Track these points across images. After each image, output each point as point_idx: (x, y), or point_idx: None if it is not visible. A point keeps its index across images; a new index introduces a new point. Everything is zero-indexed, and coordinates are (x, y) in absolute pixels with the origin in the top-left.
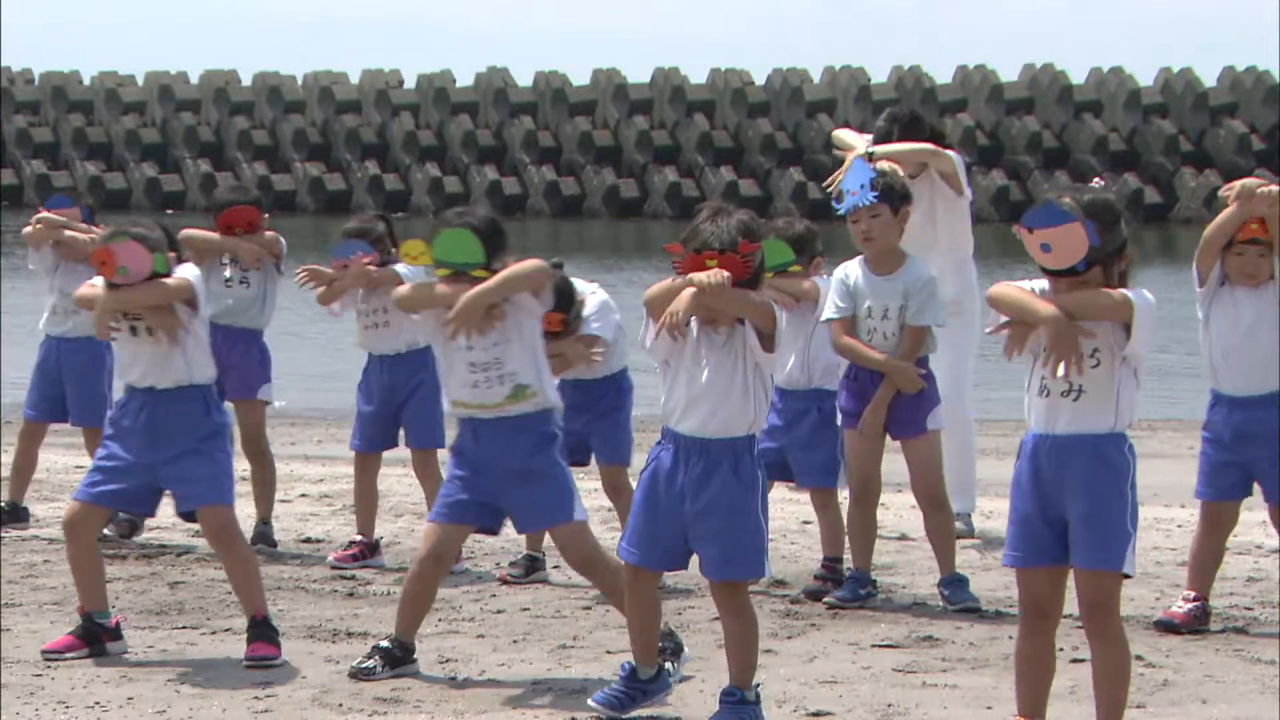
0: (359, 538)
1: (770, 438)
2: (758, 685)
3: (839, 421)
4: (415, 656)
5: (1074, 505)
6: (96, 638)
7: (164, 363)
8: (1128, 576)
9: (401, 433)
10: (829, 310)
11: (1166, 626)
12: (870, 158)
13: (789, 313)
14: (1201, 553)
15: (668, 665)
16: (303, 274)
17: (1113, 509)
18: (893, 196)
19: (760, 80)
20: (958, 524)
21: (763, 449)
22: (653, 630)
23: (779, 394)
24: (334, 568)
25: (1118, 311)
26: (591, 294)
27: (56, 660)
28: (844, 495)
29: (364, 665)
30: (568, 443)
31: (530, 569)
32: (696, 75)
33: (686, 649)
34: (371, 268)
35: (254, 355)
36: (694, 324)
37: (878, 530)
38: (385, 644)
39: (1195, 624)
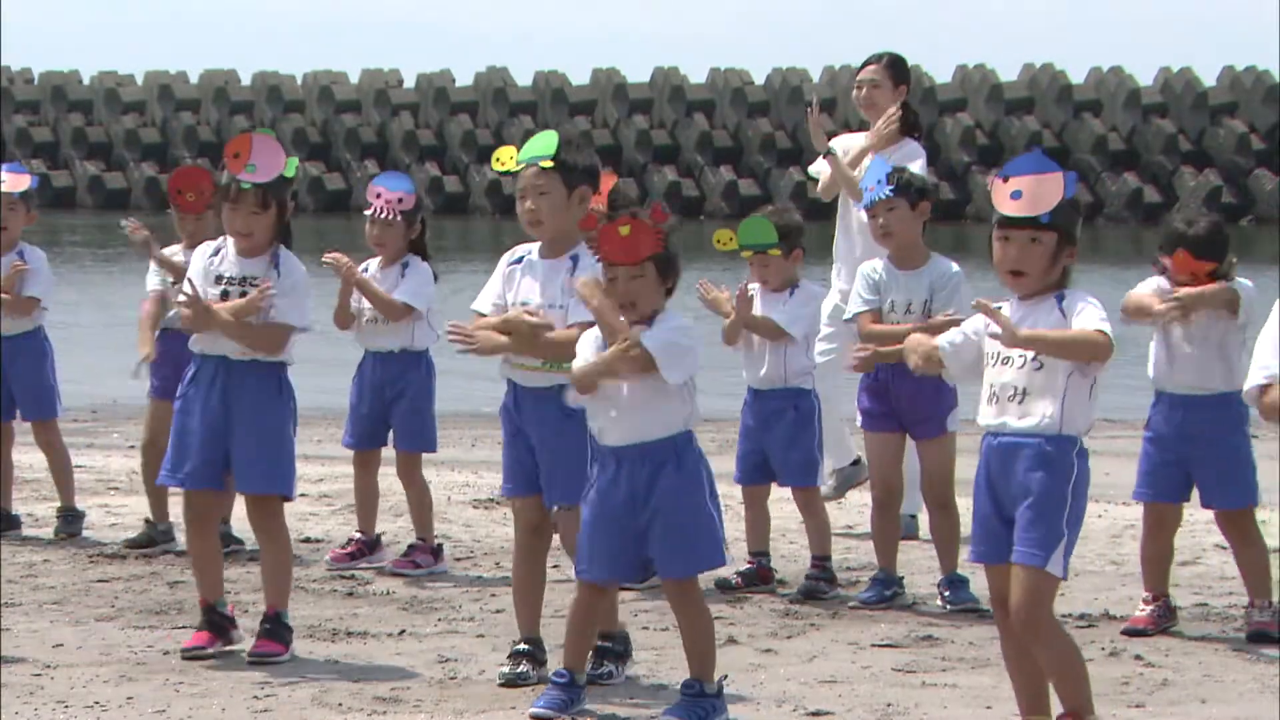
0: (358, 535)
1: (747, 439)
2: (723, 677)
3: (847, 420)
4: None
5: (1019, 503)
6: (223, 629)
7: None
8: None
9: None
10: (855, 305)
11: (1136, 634)
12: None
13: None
14: (1149, 554)
15: (610, 668)
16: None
17: (1049, 509)
18: (910, 191)
19: (760, 80)
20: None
21: (743, 451)
22: (592, 639)
23: (753, 394)
24: (331, 567)
25: (1095, 352)
26: None
27: (197, 657)
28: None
29: (517, 671)
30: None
31: None
32: (696, 75)
33: (632, 656)
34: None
35: None
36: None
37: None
38: (522, 647)
39: (1163, 624)
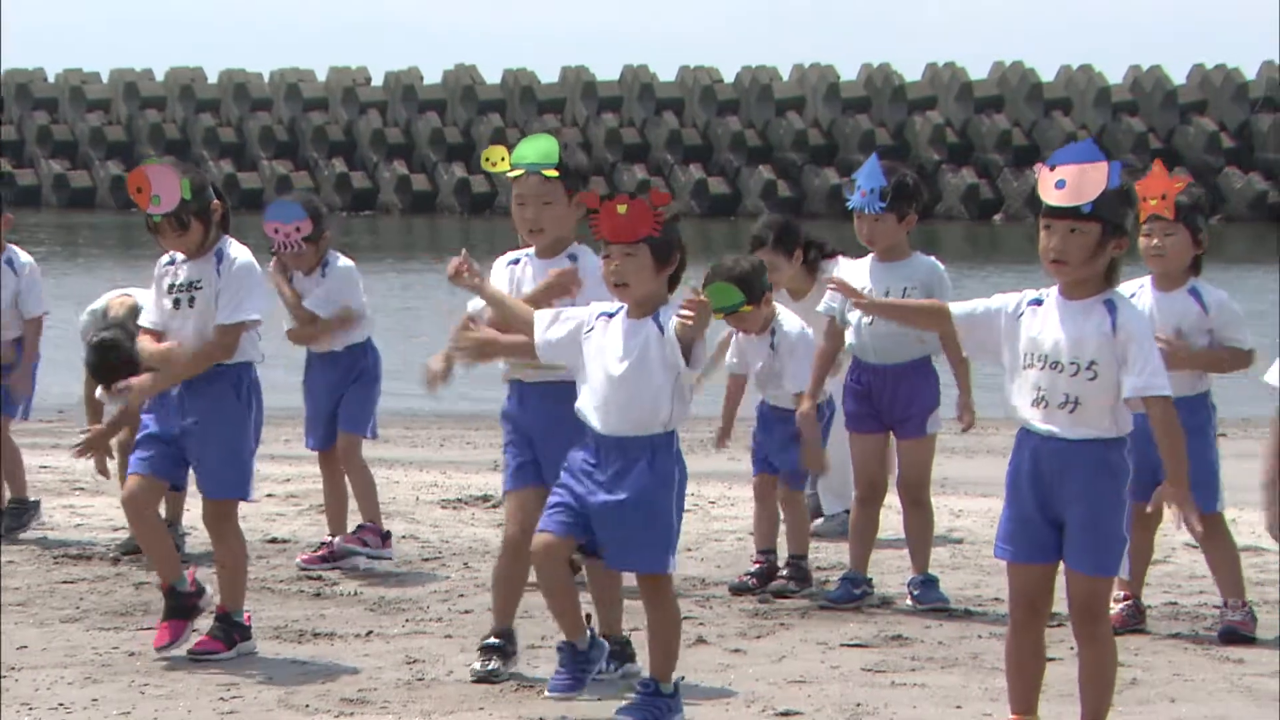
0: (329, 538)
1: (759, 432)
2: (680, 678)
3: (841, 423)
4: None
5: (1073, 508)
6: (187, 609)
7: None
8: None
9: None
10: (824, 305)
11: None
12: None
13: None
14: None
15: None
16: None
17: (1111, 514)
18: (900, 204)
19: (729, 78)
20: (833, 524)
21: (755, 443)
22: (572, 599)
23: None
24: (301, 569)
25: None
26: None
27: (168, 655)
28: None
29: (488, 669)
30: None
31: None
32: (665, 73)
33: (637, 663)
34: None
35: None
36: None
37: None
38: (493, 640)
39: (1132, 623)
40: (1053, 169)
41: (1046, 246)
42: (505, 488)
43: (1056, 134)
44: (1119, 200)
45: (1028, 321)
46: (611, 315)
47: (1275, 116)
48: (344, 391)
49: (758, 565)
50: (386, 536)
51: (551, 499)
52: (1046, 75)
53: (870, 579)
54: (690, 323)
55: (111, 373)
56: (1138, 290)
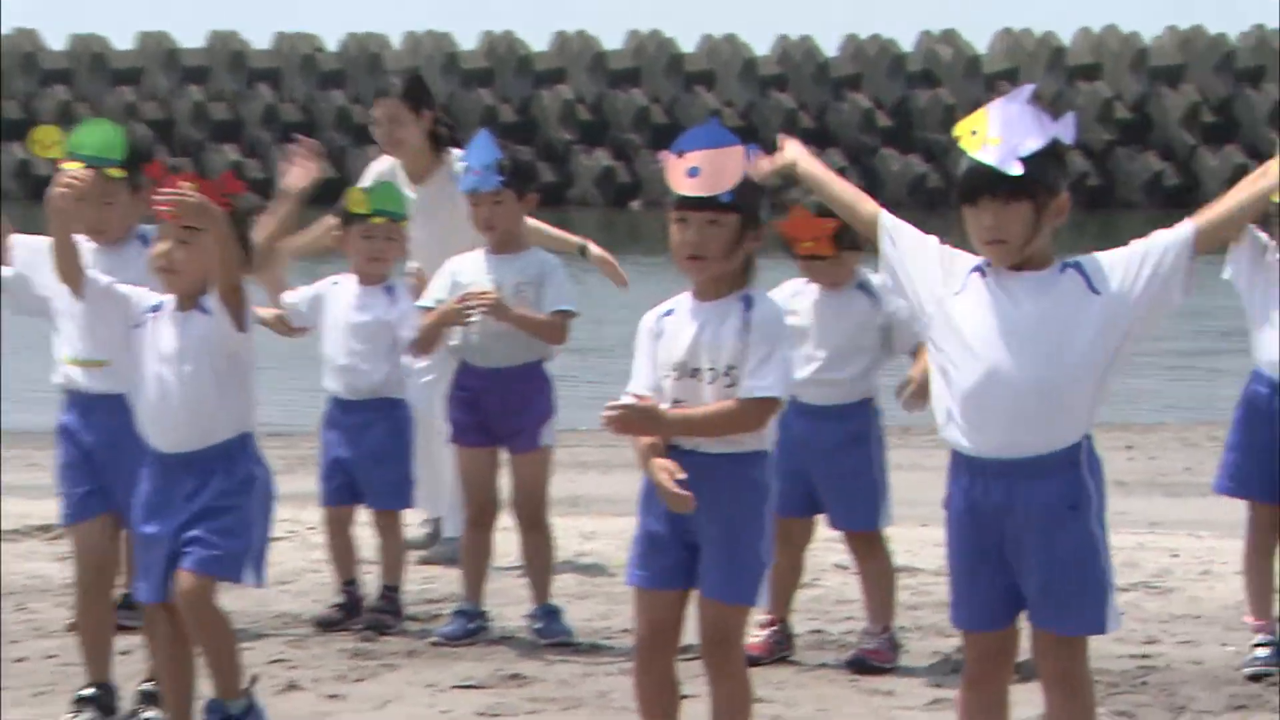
0: None
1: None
2: (252, 681)
3: (450, 436)
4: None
5: (708, 529)
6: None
7: None
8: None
9: None
10: (426, 298)
11: (751, 662)
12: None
13: None
14: (773, 572)
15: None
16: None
17: (750, 537)
18: (519, 180)
19: (333, 46)
20: (448, 549)
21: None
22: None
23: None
24: None
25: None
26: None
27: None
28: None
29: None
30: None
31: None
32: (259, 40)
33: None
34: None
35: None
36: None
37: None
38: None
39: (778, 651)
40: (682, 155)
41: (682, 241)
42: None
43: (700, 111)
44: (755, 188)
45: (668, 333)
46: (157, 309)
47: (934, 93)
48: None
49: (343, 598)
50: None
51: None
52: (687, 46)
53: (485, 611)
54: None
55: None
56: (801, 289)
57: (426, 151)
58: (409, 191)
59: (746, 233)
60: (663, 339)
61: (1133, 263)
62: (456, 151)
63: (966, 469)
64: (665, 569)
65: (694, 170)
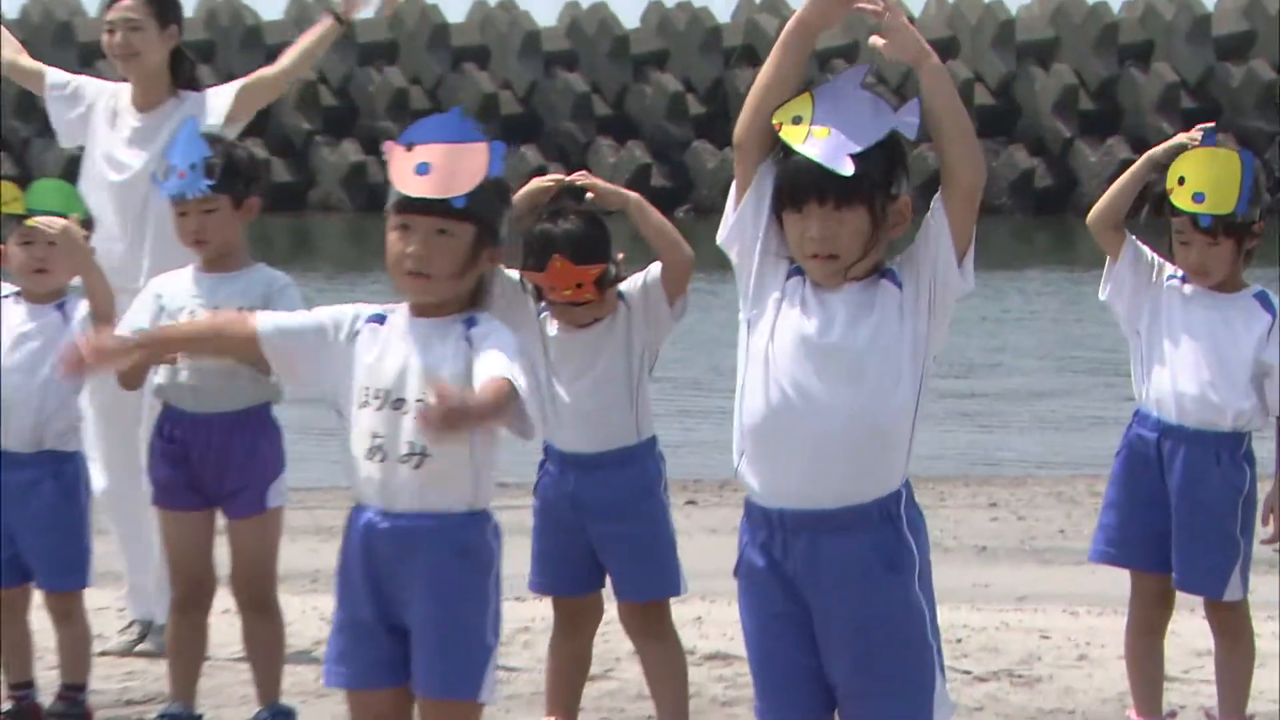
0: None
1: None
2: None
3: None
4: None
5: (417, 611)
6: None
7: None
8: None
9: None
10: (124, 326)
11: None
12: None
13: None
14: (551, 664)
15: None
16: None
17: (472, 617)
18: (235, 183)
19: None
20: (146, 644)
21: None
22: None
23: None
24: None
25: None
26: None
27: None
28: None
29: None
30: None
31: None
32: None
33: None
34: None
35: None
36: None
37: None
38: None
39: None
40: (410, 149)
41: (402, 253)
42: None
43: (471, 94)
44: (497, 195)
45: (364, 344)
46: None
47: (757, 72)
48: None
49: (14, 702)
50: None
51: None
52: (455, 15)
53: (200, 715)
54: None
55: None
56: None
57: (164, 75)
58: (132, 120)
59: (483, 248)
60: (359, 347)
61: (914, 252)
62: (192, 95)
63: (763, 521)
64: (372, 663)
65: (423, 166)
